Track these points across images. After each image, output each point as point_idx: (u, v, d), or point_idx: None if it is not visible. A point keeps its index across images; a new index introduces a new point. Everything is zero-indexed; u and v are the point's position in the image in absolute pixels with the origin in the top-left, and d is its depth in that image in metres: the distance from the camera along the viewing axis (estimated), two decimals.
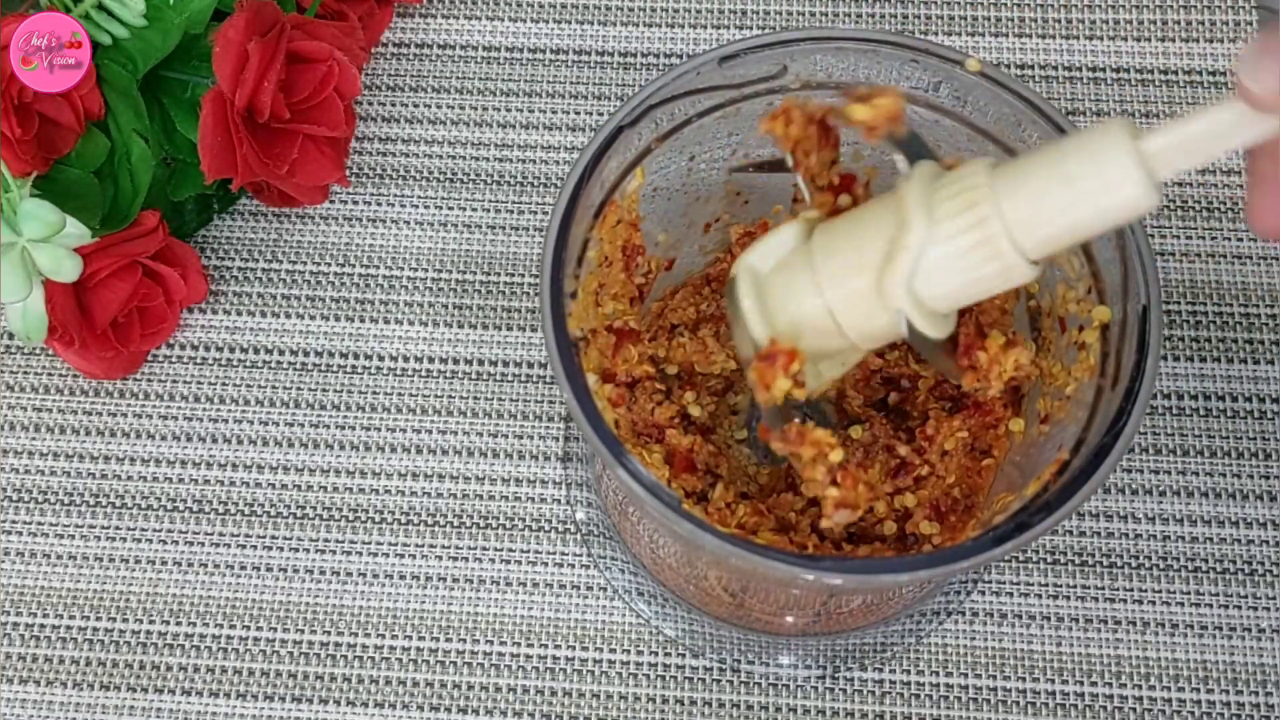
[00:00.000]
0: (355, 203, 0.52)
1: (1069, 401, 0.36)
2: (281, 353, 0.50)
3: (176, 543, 0.47)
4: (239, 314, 0.51)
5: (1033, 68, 0.54)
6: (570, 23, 0.55)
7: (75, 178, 0.46)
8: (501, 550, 0.47)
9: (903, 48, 0.36)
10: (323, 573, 0.47)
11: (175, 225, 0.50)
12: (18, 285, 0.43)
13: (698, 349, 0.42)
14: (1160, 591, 0.46)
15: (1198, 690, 0.45)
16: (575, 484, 0.48)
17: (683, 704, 0.45)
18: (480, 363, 0.50)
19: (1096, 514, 0.47)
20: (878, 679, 0.45)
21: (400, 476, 0.48)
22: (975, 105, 0.37)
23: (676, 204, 0.41)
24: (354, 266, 0.51)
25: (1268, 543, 0.47)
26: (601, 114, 0.54)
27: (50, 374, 0.50)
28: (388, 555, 0.47)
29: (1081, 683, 0.45)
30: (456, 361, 0.50)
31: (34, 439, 0.49)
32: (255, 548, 0.47)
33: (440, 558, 0.47)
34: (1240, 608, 0.46)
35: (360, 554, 0.47)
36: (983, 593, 0.46)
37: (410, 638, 0.46)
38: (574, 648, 0.46)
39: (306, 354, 0.50)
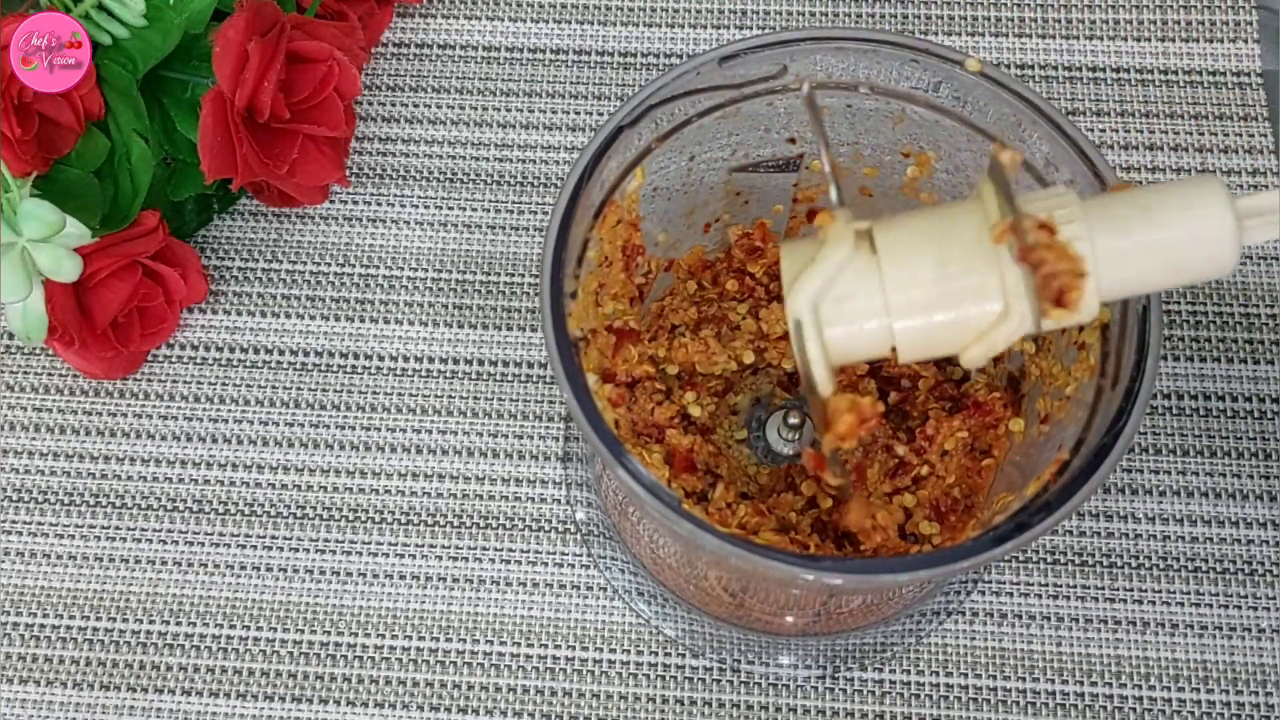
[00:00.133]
0: (355, 203, 0.52)
1: (1069, 401, 0.36)
2: (281, 353, 0.50)
3: (176, 543, 0.47)
4: (239, 314, 0.51)
5: (1033, 68, 0.54)
6: (570, 23, 0.55)
7: (75, 178, 0.46)
8: (501, 550, 0.47)
9: (903, 48, 0.36)
10: (323, 573, 0.47)
11: (175, 225, 0.50)
12: (18, 285, 0.43)
13: (700, 349, 0.42)
14: (1160, 591, 0.46)
15: (1198, 690, 0.45)
16: (575, 484, 0.48)
17: (683, 704, 0.45)
18: (480, 363, 0.50)
19: (1096, 514, 0.47)
20: (878, 679, 0.45)
21: (400, 476, 0.48)
22: (975, 105, 0.37)
23: (676, 204, 0.41)
24: (354, 266, 0.51)
25: (1268, 543, 0.47)
26: (601, 114, 0.54)
27: (50, 374, 0.50)
28: (388, 555, 0.47)
29: (1081, 683, 0.45)
30: (456, 361, 0.50)
31: (34, 439, 0.49)
32: (255, 548, 0.47)
33: (440, 558, 0.47)
34: (1240, 608, 0.46)
35: (360, 554, 0.47)
36: (983, 593, 0.46)
37: (410, 638, 0.46)
38: (574, 648, 0.46)
39: (306, 354, 0.50)
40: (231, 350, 0.50)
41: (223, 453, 0.49)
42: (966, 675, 0.45)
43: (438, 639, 0.46)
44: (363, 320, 0.50)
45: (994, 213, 0.28)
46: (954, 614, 0.46)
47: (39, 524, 0.48)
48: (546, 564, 0.47)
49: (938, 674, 0.45)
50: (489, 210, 0.52)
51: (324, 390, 0.49)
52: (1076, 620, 0.46)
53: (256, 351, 0.50)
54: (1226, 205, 0.27)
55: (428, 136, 0.53)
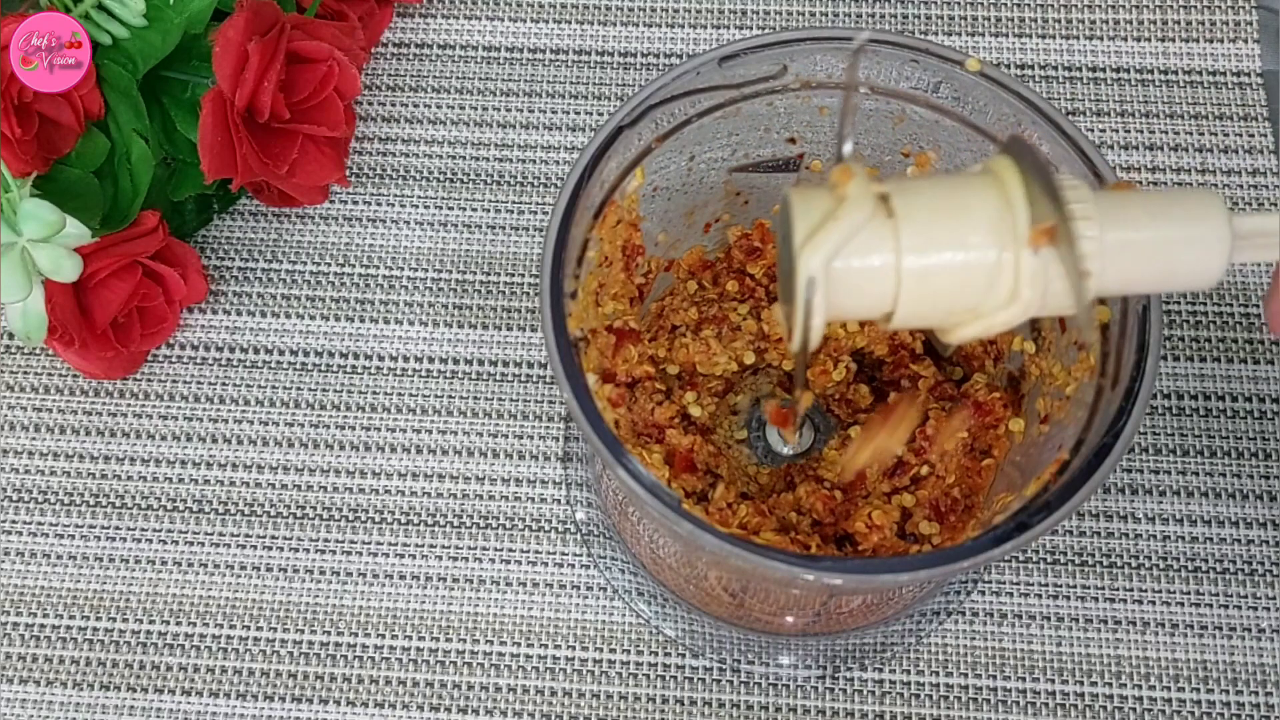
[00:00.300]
0: (355, 203, 0.52)
1: (1069, 401, 0.36)
2: (281, 353, 0.50)
3: (176, 543, 0.47)
4: (239, 314, 0.51)
5: (1033, 68, 0.54)
6: (570, 23, 0.55)
7: (75, 178, 0.46)
8: (501, 550, 0.47)
9: (903, 48, 0.36)
10: (323, 573, 0.47)
11: (175, 225, 0.50)
12: (18, 285, 0.43)
13: (700, 350, 0.42)
14: (1160, 591, 0.46)
15: (1198, 690, 0.45)
16: (575, 484, 0.48)
17: (683, 704, 0.45)
18: (480, 363, 0.50)
19: (1096, 514, 0.47)
20: (878, 679, 0.45)
21: (400, 476, 0.48)
22: (975, 105, 0.37)
23: (676, 204, 0.41)
24: (354, 266, 0.51)
25: (1268, 543, 0.47)
26: (601, 114, 0.54)
27: (50, 374, 0.50)
28: (388, 555, 0.47)
29: (1081, 683, 0.45)
30: (456, 361, 0.50)
31: (34, 439, 0.49)
32: (255, 548, 0.47)
33: (440, 558, 0.47)
34: (1240, 608, 0.46)
35: (360, 554, 0.47)
36: (983, 593, 0.46)
37: (410, 638, 0.46)
38: (574, 648, 0.46)
39: (306, 354, 0.50)
40: (231, 350, 0.50)
41: (223, 453, 0.49)
42: (966, 675, 0.45)
43: (438, 639, 0.46)
44: (363, 320, 0.50)
45: (1020, 200, 0.28)
46: (954, 614, 0.46)
47: (39, 524, 0.48)
48: (546, 564, 0.47)
49: (938, 674, 0.45)
50: (489, 210, 0.52)
51: (324, 390, 0.49)
52: (1076, 620, 0.46)
53: (256, 351, 0.50)
54: (1225, 221, 0.28)
55: (428, 136, 0.53)
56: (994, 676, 0.45)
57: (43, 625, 0.46)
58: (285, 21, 0.46)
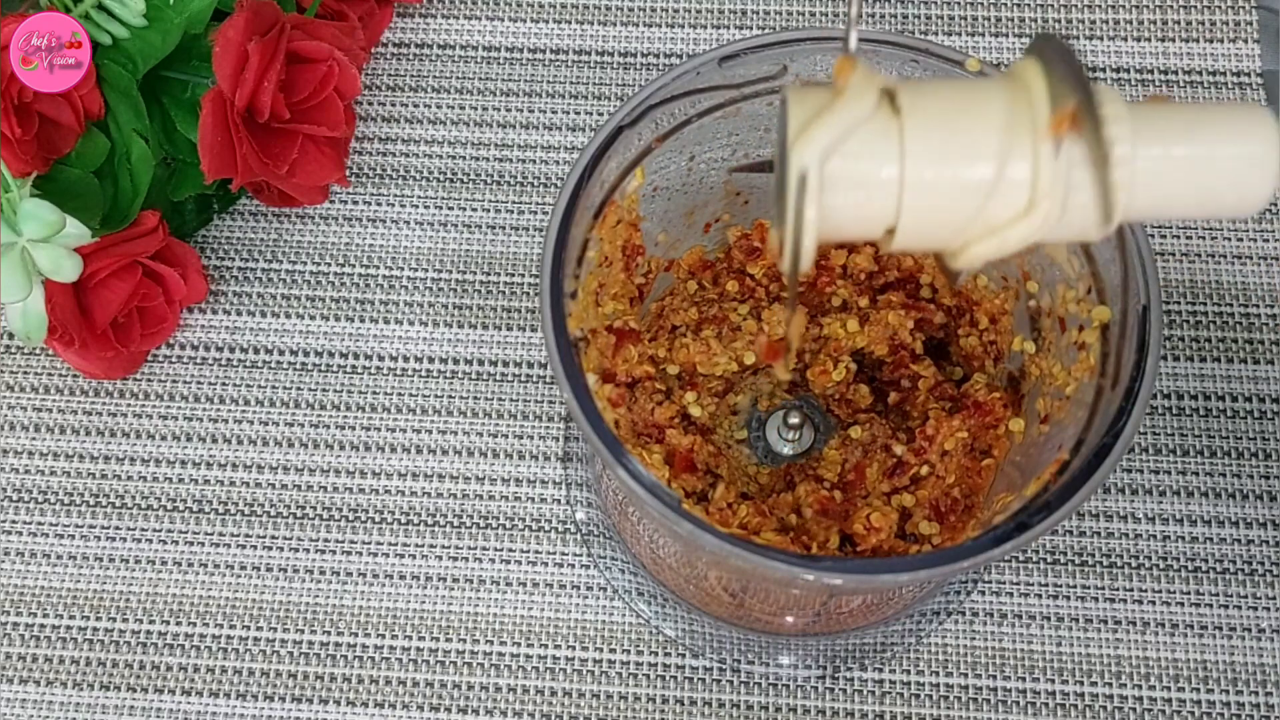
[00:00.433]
0: (355, 203, 0.52)
1: (1069, 401, 0.36)
2: (281, 353, 0.50)
3: (176, 543, 0.47)
4: (239, 314, 0.51)
5: None
6: (570, 23, 0.55)
7: (75, 178, 0.46)
8: (501, 550, 0.47)
9: (903, 48, 0.36)
10: (323, 573, 0.47)
11: (175, 225, 0.50)
12: (18, 285, 0.43)
13: (701, 350, 0.42)
14: (1160, 591, 0.46)
15: (1198, 690, 0.45)
16: (575, 484, 0.48)
17: (683, 704, 0.45)
18: (480, 363, 0.50)
19: (1096, 514, 0.47)
20: (878, 679, 0.45)
21: (400, 476, 0.48)
22: None
23: (676, 204, 0.41)
24: (354, 266, 0.51)
25: (1268, 543, 0.47)
26: (601, 114, 0.54)
27: (50, 374, 0.50)
28: (388, 555, 0.47)
29: (1081, 683, 0.45)
30: (456, 361, 0.50)
31: (34, 439, 0.49)
32: (255, 548, 0.47)
33: (440, 558, 0.47)
34: (1240, 608, 0.46)
35: (360, 554, 0.47)
36: (983, 593, 0.46)
37: (410, 638, 0.46)
38: (574, 648, 0.46)
39: (306, 354, 0.50)
40: (231, 350, 0.50)
41: (223, 453, 0.49)
42: (966, 675, 0.45)
43: (438, 639, 0.46)
44: (363, 320, 0.50)
45: (1041, 96, 0.26)
46: (954, 614, 0.46)
47: (39, 524, 0.48)
48: (546, 564, 0.47)
49: (938, 674, 0.45)
50: (489, 210, 0.52)
51: (324, 390, 0.49)
52: (1076, 620, 0.46)
53: (256, 351, 0.50)
54: (1276, 138, 0.25)
55: (428, 136, 0.53)
56: (994, 676, 0.45)
57: (43, 625, 0.46)
58: (285, 21, 0.46)
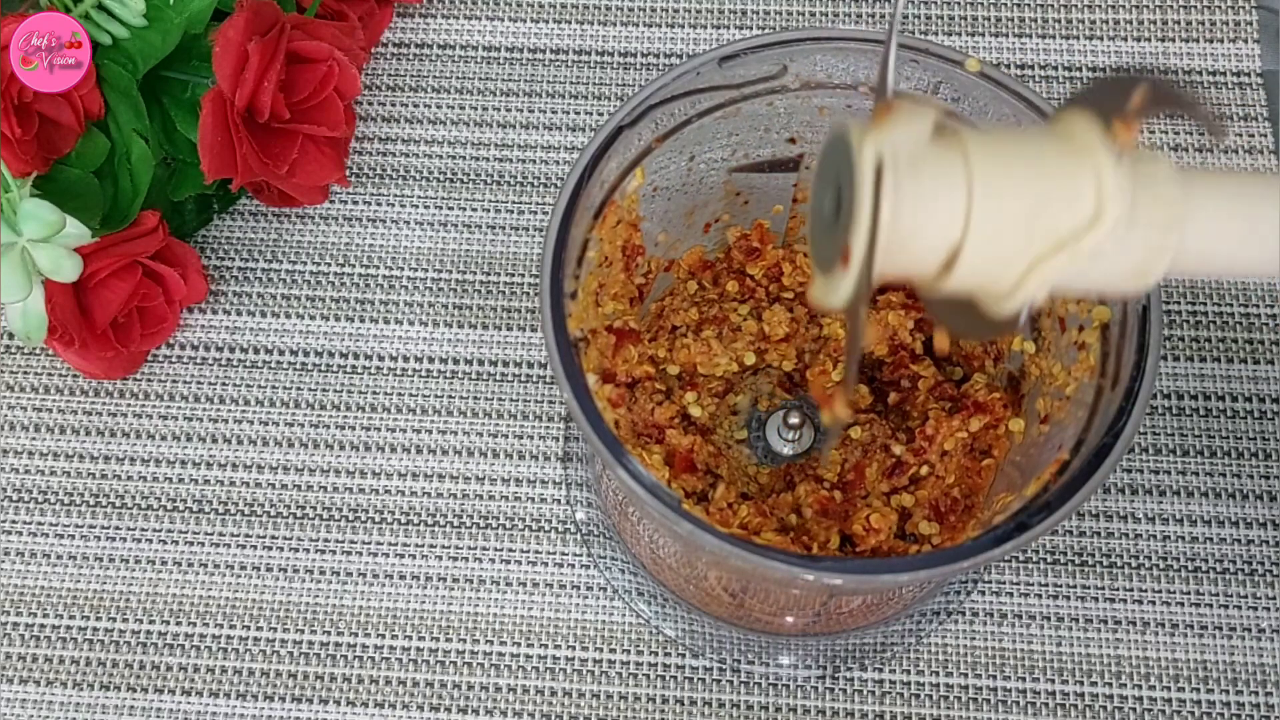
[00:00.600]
0: (355, 203, 0.52)
1: (1069, 401, 0.36)
2: (281, 353, 0.50)
3: (176, 543, 0.47)
4: (239, 314, 0.51)
5: (1033, 68, 0.54)
6: (570, 23, 0.55)
7: (75, 178, 0.46)
8: (501, 550, 0.47)
9: (903, 48, 0.36)
10: (323, 573, 0.47)
11: (175, 225, 0.50)
12: (18, 285, 0.43)
13: (701, 350, 0.42)
14: (1160, 591, 0.46)
15: (1198, 690, 0.45)
16: (575, 484, 0.48)
17: (683, 704, 0.45)
18: (480, 363, 0.50)
19: (1096, 514, 0.47)
20: (878, 679, 0.45)
21: (400, 476, 0.48)
22: (975, 105, 0.37)
23: (676, 204, 0.41)
24: (354, 266, 0.51)
25: (1268, 543, 0.47)
26: (601, 114, 0.54)
27: (50, 374, 0.50)
28: (388, 555, 0.47)
29: (1081, 683, 0.45)
30: (456, 361, 0.50)
31: (34, 439, 0.49)
32: (255, 548, 0.47)
33: (440, 558, 0.47)
34: (1240, 608, 0.46)
35: (360, 554, 0.47)
36: (983, 593, 0.46)
37: (410, 638, 0.46)
38: (574, 648, 0.46)
39: (306, 354, 0.50)
40: (231, 350, 0.50)
41: (223, 453, 0.49)
42: (966, 675, 0.45)
43: (438, 639, 0.46)
44: (363, 320, 0.50)
45: (1097, 127, 0.25)
46: (954, 614, 0.46)
47: (39, 524, 0.48)
48: (546, 564, 0.47)
49: (938, 674, 0.45)
50: (489, 210, 0.52)
51: (324, 390, 0.49)
52: (1076, 620, 0.46)
53: (256, 351, 0.50)
54: None
55: (428, 136, 0.53)
56: (994, 676, 0.45)
57: (43, 625, 0.46)
58: (285, 21, 0.46)
